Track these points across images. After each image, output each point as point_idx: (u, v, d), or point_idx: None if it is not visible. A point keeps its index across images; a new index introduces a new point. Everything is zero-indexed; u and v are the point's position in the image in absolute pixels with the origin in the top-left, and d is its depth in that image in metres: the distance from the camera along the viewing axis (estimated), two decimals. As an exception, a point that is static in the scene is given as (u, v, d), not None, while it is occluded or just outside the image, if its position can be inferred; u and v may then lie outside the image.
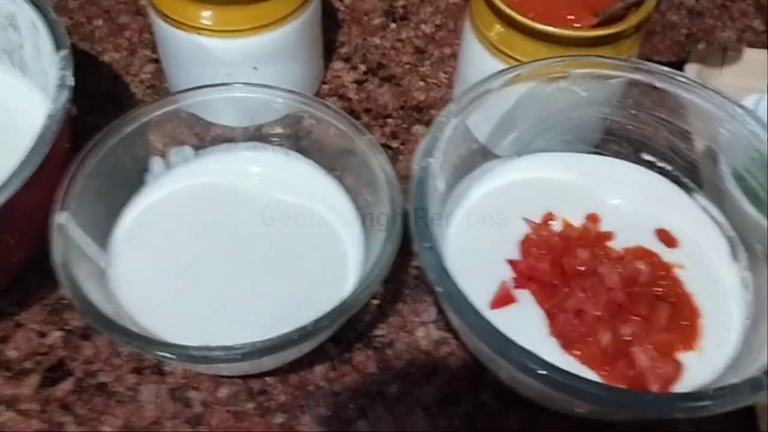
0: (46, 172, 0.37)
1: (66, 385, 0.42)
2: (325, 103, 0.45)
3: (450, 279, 0.34)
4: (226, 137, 0.47)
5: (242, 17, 0.46)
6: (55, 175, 0.39)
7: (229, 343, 0.34)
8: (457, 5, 0.63)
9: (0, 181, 0.35)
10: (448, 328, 0.45)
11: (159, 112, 0.43)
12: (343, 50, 0.59)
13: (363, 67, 0.58)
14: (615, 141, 0.48)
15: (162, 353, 0.34)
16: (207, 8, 0.46)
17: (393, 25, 0.61)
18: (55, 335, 0.43)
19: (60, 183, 0.38)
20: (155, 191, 0.45)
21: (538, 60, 0.44)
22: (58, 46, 0.41)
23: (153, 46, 0.58)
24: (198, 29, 0.47)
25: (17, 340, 0.43)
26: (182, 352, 0.34)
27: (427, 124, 0.55)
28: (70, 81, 0.40)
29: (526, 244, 0.43)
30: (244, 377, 0.42)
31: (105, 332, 0.35)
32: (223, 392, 0.42)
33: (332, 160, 0.46)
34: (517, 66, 0.44)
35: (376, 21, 0.62)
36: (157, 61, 0.57)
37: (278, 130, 0.47)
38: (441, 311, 0.45)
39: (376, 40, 0.60)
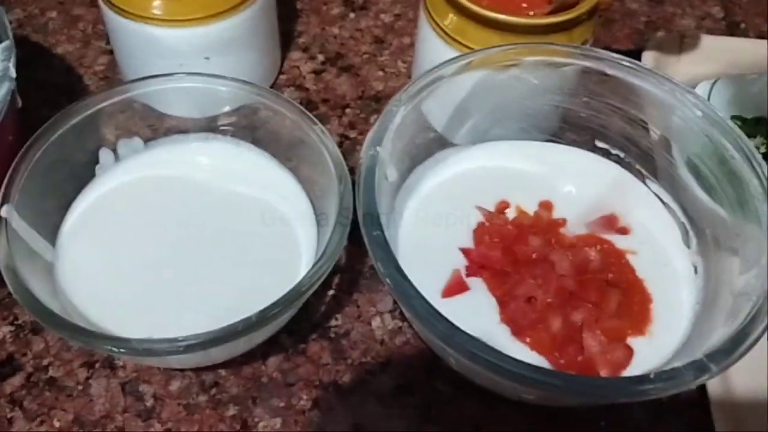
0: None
1: (15, 380, 0.41)
2: (276, 94, 0.44)
3: (396, 268, 0.34)
4: (180, 129, 0.46)
5: (193, 6, 0.46)
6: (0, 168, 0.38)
7: (177, 335, 0.33)
8: (416, -6, 0.63)
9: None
10: (404, 317, 0.45)
11: (108, 102, 0.43)
12: (301, 40, 0.59)
13: (321, 57, 0.58)
14: (571, 129, 0.48)
15: (107, 347, 0.33)
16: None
17: (352, 15, 0.61)
18: (3, 330, 0.43)
19: (6, 176, 0.38)
20: (104, 184, 0.44)
21: (490, 48, 0.43)
22: (0, 37, 0.40)
23: (107, 38, 0.57)
24: (147, 19, 0.46)
25: (-36, 336, 0.42)
26: (126, 345, 0.33)
27: (386, 113, 0.55)
28: (12, 72, 0.39)
29: (479, 232, 0.43)
30: (197, 370, 0.42)
31: (49, 328, 0.34)
32: (175, 385, 0.41)
33: (287, 152, 0.46)
34: (468, 53, 0.44)
35: (335, 10, 0.61)
36: (111, 52, 0.56)
37: (232, 120, 0.46)
38: (397, 302, 0.45)
39: (335, 30, 0.60)
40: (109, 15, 0.48)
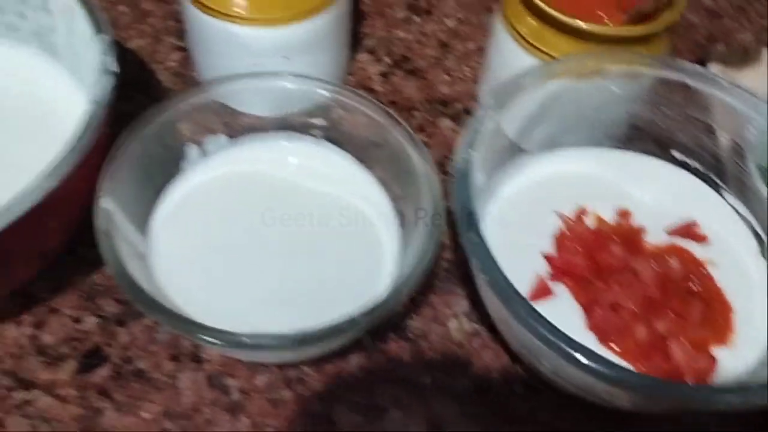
0: (89, 157, 0.37)
1: (103, 371, 0.42)
2: (359, 93, 0.45)
3: (497, 269, 0.35)
4: (256, 126, 0.47)
5: (277, 7, 0.47)
6: (96, 160, 0.39)
7: (265, 330, 0.34)
8: (478, 0, 0.63)
9: (36, 164, 0.36)
10: (480, 320, 0.45)
11: (193, 100, 0.43)
12: (368, 42, 0.59)
13: (388, 60, 0.58)
14: (642, 137, 0.49)
15: (212, 339, 0.34)
16: None
17: (417, 19, 0.62)
18: (90, 321, 0.43)
19: (102, 168, 0.38)
20: (191, 178, 0.45)
21: (574, 56, 0.44)
22: (98, 30, 0.41)
23: (178, 33, 0.58)
24: (231, 17, 0.47)
25: (52, 326, 0.43)
26: (233, 338, 0.34)
27: (453, 117, 0.55)
28: (113, 66, 0.39)
29: (561, 239, 0.43)
30: (281, 366, 0.42)
31: (155, 316, 0.35)
32: (260, 380, 0.42)
33: (362, 151, 0.46)
34: (552, 62, 0.44)
35: (400, 14, 0.62)
36: (182, 48, 0.57)
37: (309, 119, 0.47)
38: (473, 303, 0.46)
39: (401, 33, 0.60)
40: (192, 11, 0.48)
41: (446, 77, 0.58)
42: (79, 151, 0.36)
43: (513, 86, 0.43)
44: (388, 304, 0.35)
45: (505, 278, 0.35)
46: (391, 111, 0.43)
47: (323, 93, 0.45)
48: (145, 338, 0.43)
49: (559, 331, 0.33)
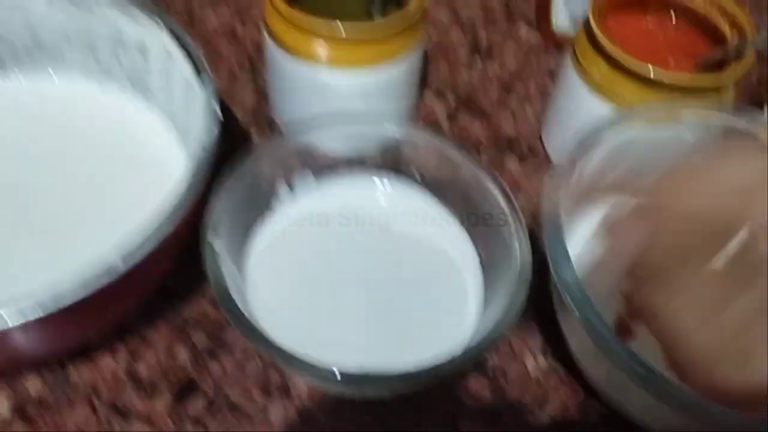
0: (199, 197, 0.39)
1: (198, 403, 0.43)
2: (440, 134, 0.47)
3: (593, 310, 0.37)
4: (342, 165, 0.49)
5: (363, 54, 0.48)
6: (202, 200, 0.41)
7: (355, 367, 0.36)
8: (538, 43, 0.66)
9: (136, 202, 0.38)
10: (556, 357, 0.47)
11: (283, 141, 0.45)
12: (434, 84, 0.62)
13: (453, 101, 0.60)
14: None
15: (325, 374, 0.36)
16: (329, 43, 0.48)
17: (479, 61, 0.64)
18: (183, 354, 0.45)
19: (208, 207, 0.40)
20: (281, 216, 0.47)
21: (650, 105, 0.46)
22: (201, 76, 0.43)
23: (254, 74, 0.60)
24: (318, 62, 0.49)
25: (147, 358, 0.45)
26: (342, 374, 0.35)
27: (520, 158, 0.57)
28: (218, 110, 0.41)
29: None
30: (366, 399, 0.44)
31: (264, 351, 0.36)
32: (346, 413, 0.43)
33: (450, 194, 0.48)
34: (630, 111, 0.46)
35: (463, 57, 0.64)
36: (258, 89, 0.59)
37: (391, 159, 0.49)
38: (547, 341, 0.47)
39: (464, 75, 0.63)
40: (277, 54, 0.50)
41: (510, 118, 0.60)
42: (193, 192, 0.38)
43: (593, 135, 0.44)
44: (482, 346, 0.37)
45: (600, 318, 0.37)
46: (473, 155, 0.45)
47: (405, 134, 0.47)
48: (236, 371, 0.45)
49: (656, 371, 0.35)
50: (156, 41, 0.46)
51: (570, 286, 0.38)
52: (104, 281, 0.34)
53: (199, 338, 0.46)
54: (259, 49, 0.62)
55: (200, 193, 0.38)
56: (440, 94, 0.61)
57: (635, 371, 0.35)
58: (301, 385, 0.44)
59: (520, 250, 0.41)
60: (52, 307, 0.33)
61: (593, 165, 0.48)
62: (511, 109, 0.60)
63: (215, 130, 0.41)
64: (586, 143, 0.44)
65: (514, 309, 0.39)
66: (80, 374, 0.44)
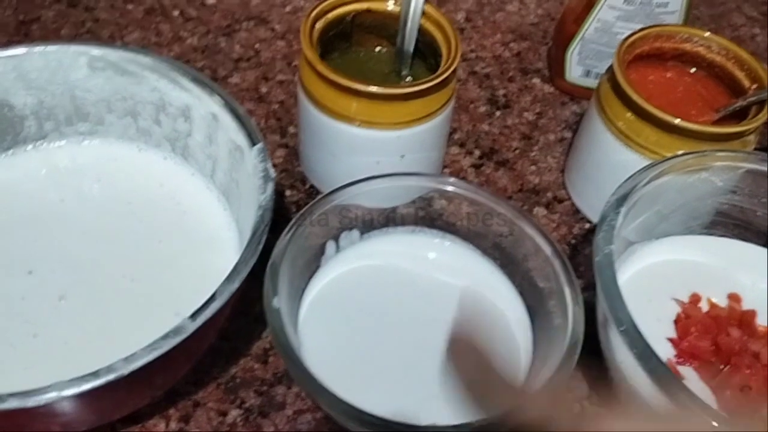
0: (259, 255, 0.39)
1: (253, 463, 0.43)
2: (476, 186, 0.48)
3: (657, 358, 0.37)
4: (386, 221, 0.49)
5: (398, 112, 0.49)
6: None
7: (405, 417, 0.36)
8: (552, 94, 0.68)
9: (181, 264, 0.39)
10: (603, 404, 0.47)
11: (335, 201, 0.46)
12: (457, 136, 0.63)
13: (477, 152, 0.62)
14: (723, 223, 0.52)
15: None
16: (365, 102, 0.49)
17: (498, 113, 0.66)
18: (234, 413, 0.45)
19: (268, 269, 0.41)
20: (327, 274, 0.47)
21: (681, 155, 0.47)
22: (252, 139, 0.44)
23: (281, 132, 0.61)
24: (353, 120, 0.50)
25: (198, 420, 0.45)
26: (413, 430, 0.36)
27: (546, 206, 0.58)
28: (272, 173, 0.42)
29: (683, 324, 0.46)
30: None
31: (333, 413, 0.37)
32: (406, 468, 0.43)
33: (490, 246, 0.49)
34: (662, 161, 0.47)
35: (482, 109, 0.66)
36: (285, 145, 0.60)
37: (439, 213, 0.50)
38: (594, 387, 0.48)
39: (485, 127, 0.64)
40: (313, 113, 0.51)
41: (533, 167, 0.61)
42: (254, 251, 0.38)
43: (630, 185, 0.46)
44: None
45: (663, 365, 0.37)
46: (515, 205, 0.46)
47: (448, 186, 0.48)
48: (288, 429, 0.44)
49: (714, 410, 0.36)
50: (203, 108, 0.47)
51: (627, 325, 0.39)
52: (174, 342, 0.35)
53: (250, 398, 0.46)
54: (285, 107, 0.63)
55: (259, 252, 0.39)
56: (464, 146, 0.62)
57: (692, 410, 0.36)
58: (354, 440, 0.44)
59: (574, 318, 0.41)
60: (124, 370, 0.34)
61: (627, 213, 0.49)
62: (534, 158, 0.62)
63: (270, 189, 0.41)
64: (623, 193, 0.45)
65: (565, 372, 0.39)
66: (132, 438, 0.43)
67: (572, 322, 0.41)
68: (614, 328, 0.40)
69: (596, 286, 0.42)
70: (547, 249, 0.45)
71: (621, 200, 0.45)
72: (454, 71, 0.50)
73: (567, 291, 0.42)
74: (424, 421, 0.41)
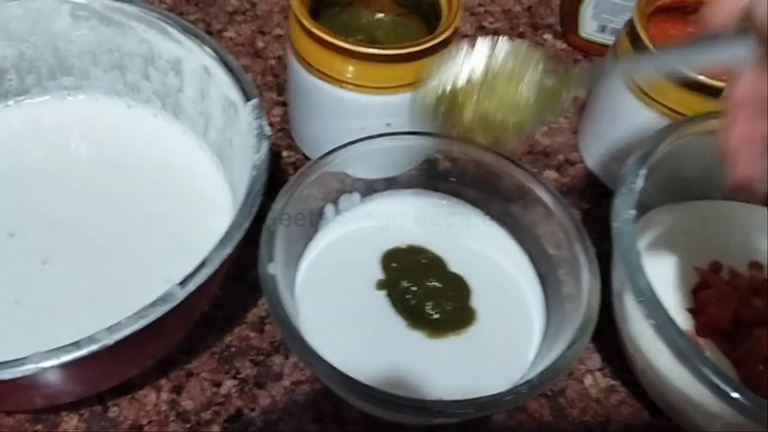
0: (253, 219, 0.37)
1: (248, 435, 0.41)
2: (483, 146, 0.45)
3: (678, 331, 0.35)
4: (384, 183, 0.47)
5: (389, 75, 0.46)
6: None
7: (408, 393, 0.34)
8: (565, 51, 0.64)
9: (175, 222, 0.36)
10: (615, 375, 0.45)
11: (329, 165, 0.43)
12: (463, 95, 0.60)
13: (485, 112, 0.59)
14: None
15: (401, 408, 0.34)
16: (355, 64, 0.45)
17: (507, 70, 0.62)
18: (228, 384, 0.43)
19: (262, 234, 0.38)
20: (326, 236, 0.45)
21: (701, 115, 0.45)
22: (246, 95, 0.41)
23: (278, 89, 0.58)
24: (342, 83, 0.46)
25: (191, 390, 0.42)
26: (419, 404, 0.34)
27: (557, 168, 0.56)
28: (267, 131, 0.40)
29: (702, 294, 0.43)
30: (422, 426, 0.42)
31: (333, 386, 0.35)
32: (408, 442, 0.41)
33: (498, 206, 0.47)
34: (682, 122, 0.44)
35: (491, 66, 0.62)
36: (284, 104, 0.57)
37: (429, 174, 0.47)
38: (604, 359, 0.46)
39: (494, 85, 0.61)
40: (301, 73, 0.47)
41: (544, 128, 0.58)
42: (248, 214, 0.36)
43: (651, 145, 0.43)
44: (550, 378, 0.35)
45: (677, 327, 0.35)
46: (524, 165, 0.44)
47: (450, 147, 0.45)
48: (285, 400, 0.42)
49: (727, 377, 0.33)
50: (194, 60, 0.44)
51: (646, 295, 0.36)
52: (162, 310, 0.32)
53: (245, 368, 0.43)
54: (282, 63, 0.60)
55: (254, 215, 0.36)
56: (471, 106, 0.59)
57: (713, 384, 0.34)
58: (354, 412, 0.42)
59: (589, 291, 0.39)
60: (108, 340, 0.31)
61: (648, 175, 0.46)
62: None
63: (264, 148, 0.39)
64: (644, 153, 0.43)
65: (580, 345, 0.37)
66: (121, 411, 0.41)
67: (587, 297, 0.38)
68: (631, 298, 0.38)
69: (613, 253, 0.39)
70: (559, 214, 0.42)
71: (641, 161, 0.42)
72: (455, 32, 0.47)
73: (582, 260, 0.40)
74: (425, 392, 0.39)
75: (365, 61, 0.45)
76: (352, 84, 0.46)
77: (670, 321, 0.36)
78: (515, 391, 0.34)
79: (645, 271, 0.37)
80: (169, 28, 0.43)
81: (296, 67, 0.48)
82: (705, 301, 0.43)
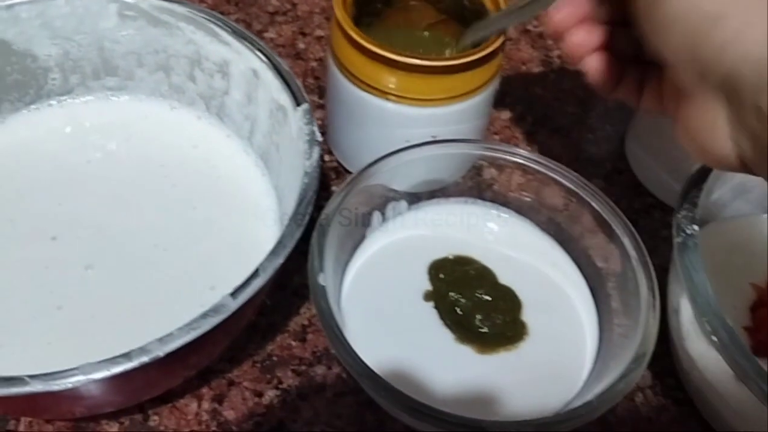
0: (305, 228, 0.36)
1: (292, 449, 0.40)
2: (530, 152, 0.44)
3: (741, 348, 0.34)
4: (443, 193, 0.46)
5: (435, 88, 0.44)
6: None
7: (455, 410, 0.33)
8: (610, 56, 0.63)
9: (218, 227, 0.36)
10: (665, 394, 0.44)
11: (377, 174, 0.42)
12: (508, 100, 0.59)
13: (529, 118, 0.58)
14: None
15: (451, 424, 0.32)
16: (400, 76, 0.43)
17: (552, 75, 0.61)
18: (270, 394, 0.42)
19: (312, 245, 0.37)
20: (372, 245, 0.44)
21: None
22: (297, 99, 0.40)
23: (319, 92, 0.57)
24: (387, 94, 0.45)
25: (232, 400, 0.42)
26: (475, 424, 0.32)
27: (605, 178, 0.54)
28: (319, 136, 0.39)
29: (759, 312, 0.42)
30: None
31: (381, 400, 0.34)
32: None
33: (540, 218, 0.45)
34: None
35: (535, 70, 0.61)
36: (324, 107, 0.56)
37: (474, 182, 0.46)
38: (657, 376, 0.44)
39: (538, 91, 0.60)
40: (343, 83, 0.46)
41: (590, 136, 0.57)
42: (301, 225, 0.35)
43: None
44: (612, 397, 0.34)
45: (747, 354, 0.34)
46: (585, 181, 0.42)
47: (501, 156, 0.44)
48: (328, 413, 0.41)
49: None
50: (243, 63, 0.43)
51: (710, 313, 0.35)
52: (214, 321, 0.31)
53: (287, 378, 0.42)
54: (324, 65, 0.59)
55: (306, 224, 0.35)
56: (515, 111, 0.58)
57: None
58: (398, 426, 0.41)
59: (646, 321, 0.37)
60: (159, 352, 0.30)
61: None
62: (591, 126, 0.58)
63: (316, 154, 0.38)
64: (700, 171, 0.41)
65: (628, 383, 0.35)
66: (162, 420, 0.41)
67: (644, 326, 0.37)
68: (690, 315, 0.37)
69: (672, 269, 0.38)
70: (614, 225, 0.41)
71: (704, 174, 0.40)
72: (504, 42, 0.45)
73: (641, 278, 0.38)
74: (473, 409, 0.38)
75: (413, 72, 0.43)
76: (396, 96, 0.45)
77: (735, 340, 0.34)
78: (576, 414, 0.33)
79: (710, 291, 0.36)
80: (219, 30, 0.43)
81: (338, 77, 0.46)
82: (762, 319, 0.42)
